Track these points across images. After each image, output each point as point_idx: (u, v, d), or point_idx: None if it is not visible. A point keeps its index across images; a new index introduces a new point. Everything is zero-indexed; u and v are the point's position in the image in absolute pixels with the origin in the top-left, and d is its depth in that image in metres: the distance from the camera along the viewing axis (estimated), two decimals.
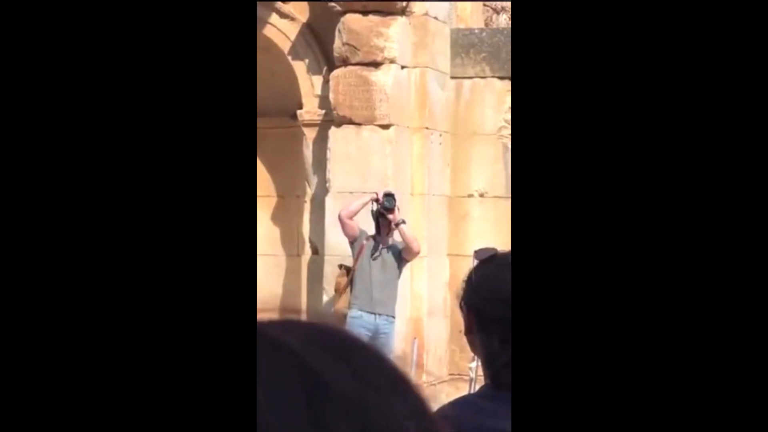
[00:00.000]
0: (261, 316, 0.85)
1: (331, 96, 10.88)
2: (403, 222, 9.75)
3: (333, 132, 10.86)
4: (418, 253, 9.95)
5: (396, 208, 9.80)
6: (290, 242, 11.95)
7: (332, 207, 10.69)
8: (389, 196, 9.86)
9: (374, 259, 9.79)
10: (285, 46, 11.59)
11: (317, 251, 11.39)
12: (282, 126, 11.95)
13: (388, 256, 9.85)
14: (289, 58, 11.59)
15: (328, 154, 10.87)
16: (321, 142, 11.21)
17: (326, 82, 11.19)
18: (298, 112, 11.55)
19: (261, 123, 12.00)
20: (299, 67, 11.59)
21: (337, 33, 10.83)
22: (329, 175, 10.84)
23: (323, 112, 11.34)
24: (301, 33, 11.52)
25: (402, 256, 9.84)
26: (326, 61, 11.37)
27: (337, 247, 10.40)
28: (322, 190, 11.09)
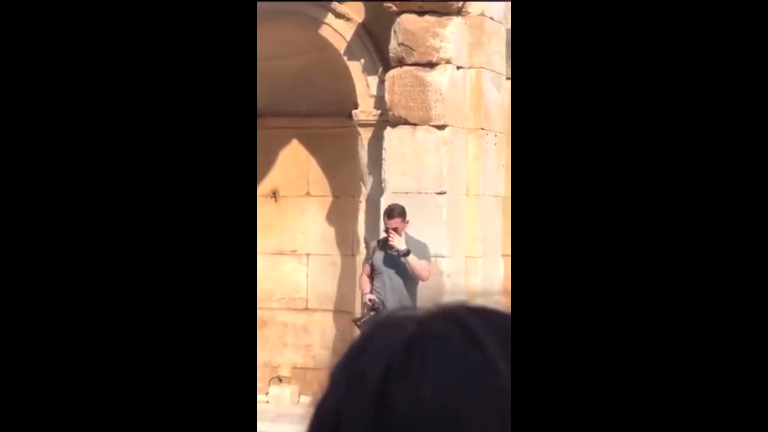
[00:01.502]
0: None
1: (386, 96, 10.88)
2: (408, 253, 9.94)
3: (388, 132, 10.85)
4: (426, 279, 10.07)
5: (405, 221, 10.03)
6: (345, 242, 11.95)
7: None
8: (393, 209, 10.10)
9: (388, 262, 10.04)
10: (341, 46, 11.56)
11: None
12: (337, 126, 11.93)
13: (401, 260, 10.03)
14: (345, 58, 11.56)
15: (384, 155, 10.87)
16: (376, 142, 11.19)
17: (382, 82, 11.17)
18: (354, 112, 11.52)
19: (316, 123, 12.07)
20: (355, 68, 11.56)
21: (392, 33, 10.82)
22: (385, 175, 10.85)
23: (379, 112, 11.31)
24: (356, 33, 11.50)
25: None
26: (382, 61, 11.34)
27: None
28: (378, 190, 11.08)
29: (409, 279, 10.05)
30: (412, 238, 10.17)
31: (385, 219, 10.19)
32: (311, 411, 0.99)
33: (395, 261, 10.04)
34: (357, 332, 10.36)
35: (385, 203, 10.72)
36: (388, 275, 10.07)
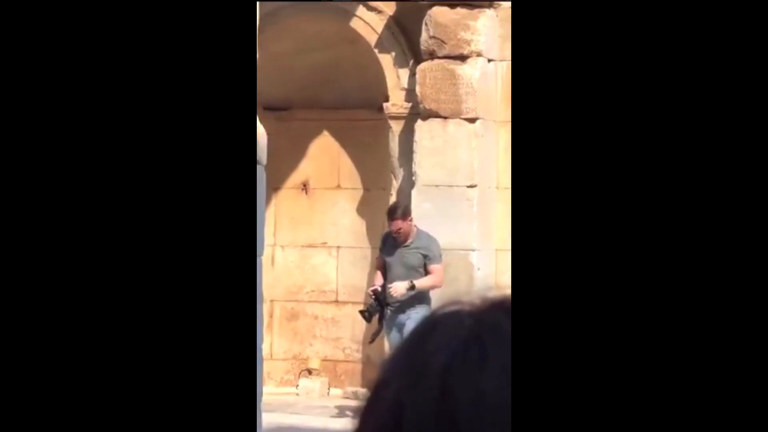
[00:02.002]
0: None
1: (417, 89, 10.83)
2: (413, 287, 9.76)
3: (419, 125, 10.80)
4: (441, 286, 9.89)
5: (408, 219, 9.91)
6: (376, 235, 11.86)
7: (418, 200, 10.67)
8: (395, 209, 10.03)
9: (396, 258, 9.97)
10: (372, 38, 11.54)
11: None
12: (368, 118, 11.92)
13: (412, 257, 9.93)
14: (376, 50, 11.54)
15: (415, 147, 10.82)
16: (407, 134, 11.15)
17: (413, 75, 11.12)
18: (385, 104, 11.48)
19: (347, 115, 12.06)
20: (386, 60, 11.53)
21: (423, 26, 10.77)
22: (415, 168, 10.80)
23: (410, 105, 11.26)
24: (387, 26, 11.46)
25: (426, 264, 9.92)
26: (413, 54, 11.29)
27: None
28: (408, 183, 11.03)
29: (419, 271, 9.94)
30: (422, 232, 10.09)
31: (387, 221, 10.08)
32: (364, 404, 1.00)
33: (405, 254, 9.95)
34: (363, 323, 10.39)
35: (416, 196, 10.70)
36: (396, 267, 9.96)
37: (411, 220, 9.99)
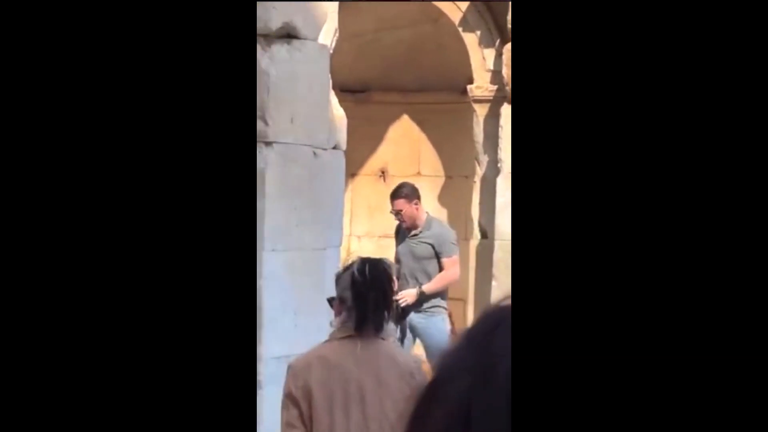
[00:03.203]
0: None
1: (504, 71, 10.47)
2: (422, 291, 9.28)
3: (506, 109, 10.43)
4: (457, 278, 9.48)
5: (413, 203, 9.39)
6: (458, 225, 11.50)
7: (504, 189, 10.30)
8: (400, 187, 9.50)
9: (405, 250, 9.52)
10: (455, 16, 11.14)
11: (486, 235, 10.98)
12: (450, 102, 11.57)
13: (420, 247, 9.47)
14: (460, 29, 11.13)
15: (500, 133, 10.45)
16: (492, 119, 10.78)
17: (499, 55, 10.73)
18: (469, 87, 11.10)
19: (428, 98, 11.84)
20: (470, 39, 11.11)
21: (511, 2, 10.23)
22: (501, 154, 10.43)
23: (495, 87, 10.85)
24: (473, 2, 11.04)
25: (439, 256, 9.42)
26: (499, 32, 10.87)
27: (509, 231, 9.94)
28: (493, 170, 10.66)
29: (428, 263, 9.45)
30: (435, 220, 9.72)
31: (390, 201, 9.59)
32: (417, 403, 1.00)
33: (413, 246, 9.48)
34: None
35: (501, 184, 10.34)
36: (407, 260, 9.49)
37: (417, 205, 9.50)
